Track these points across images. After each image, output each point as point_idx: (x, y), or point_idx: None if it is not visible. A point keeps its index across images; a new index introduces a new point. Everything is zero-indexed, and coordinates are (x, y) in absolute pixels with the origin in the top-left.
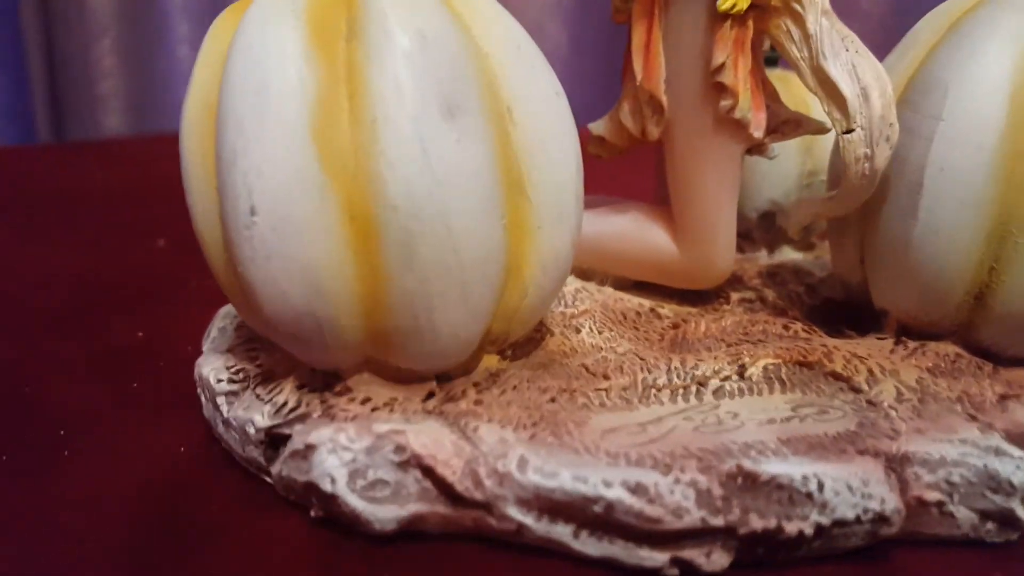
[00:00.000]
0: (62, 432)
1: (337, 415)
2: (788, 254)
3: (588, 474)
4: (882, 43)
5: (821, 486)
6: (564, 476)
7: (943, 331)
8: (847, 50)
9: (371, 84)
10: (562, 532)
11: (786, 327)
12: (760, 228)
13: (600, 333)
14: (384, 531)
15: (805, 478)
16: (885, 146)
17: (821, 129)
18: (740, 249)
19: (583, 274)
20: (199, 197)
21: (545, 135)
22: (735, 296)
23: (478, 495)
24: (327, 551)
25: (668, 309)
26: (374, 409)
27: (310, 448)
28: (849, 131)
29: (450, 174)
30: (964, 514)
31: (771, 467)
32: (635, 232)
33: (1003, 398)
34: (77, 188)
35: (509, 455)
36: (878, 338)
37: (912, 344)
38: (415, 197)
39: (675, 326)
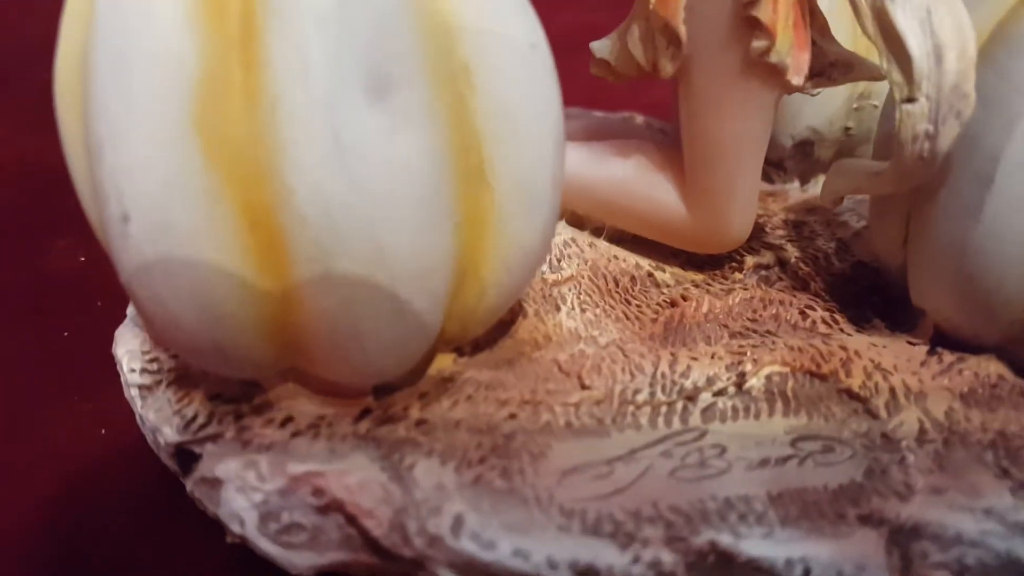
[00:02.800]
0: None
1: (251, 440)
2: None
3: (532, 548)
4: None
5: (807, 572)
6: (503, 549)
7: (987, 345)
8: None
9: (271, 53)
10: None
11: (803, 313)
12: (794, 157)
13: (583, 312)
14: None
15: (790, 563)
16: (955, 123)
17: (881, 75)
18: (769, 179)
19: (576, 220)
20: (82, 185)
21: (514, 102)
22: (750, 261)
23: (406, 552)
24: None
25: (669, 274)
26: (295, 434)
27: (217, 483)
28: (910, 100)
29: (377, 176)
30: None
31: (751, 546)
32: (638, 183)
33: None
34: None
35: (444, 511)
36: (909, 342)
37: (948, 357)
38: (329, 208)
39: (673, 303)
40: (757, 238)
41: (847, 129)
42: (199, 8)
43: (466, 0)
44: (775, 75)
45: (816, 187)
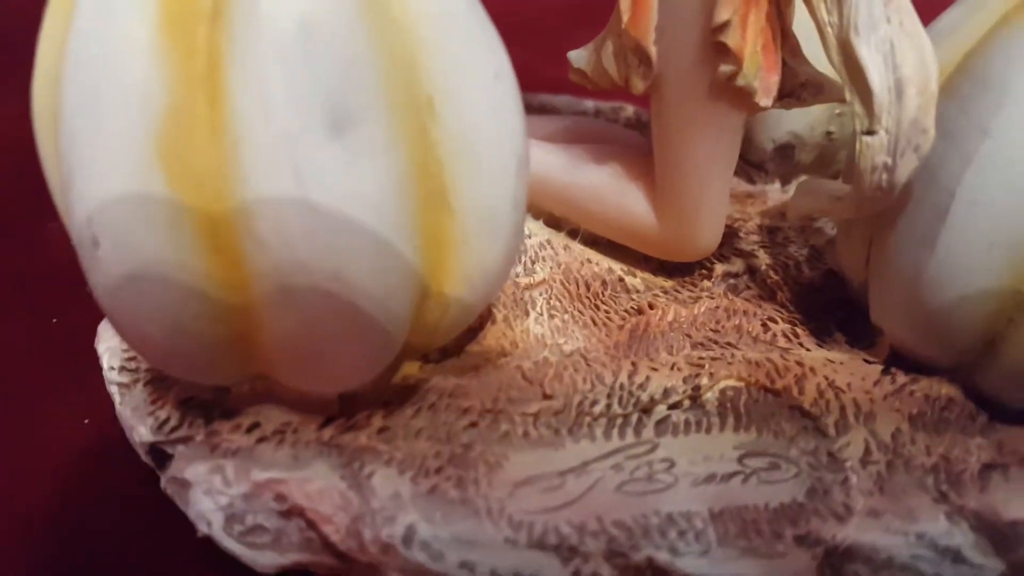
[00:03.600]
0: None
1: (219, 444)
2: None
3: (477, 560)
4: None
5: None
6: (450, 560)
7: (941, 367)
8: (888, 21)
9: (233, 88)
10: None
11: (765, 325)
12: (775, 160)
13: (551, 318)
14: (266, 572)
15: None
16: (912, 156)
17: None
18: (751, 180)
19: (553, 222)
20: (59, 201)
21: (475, 132)
22: (719, 268)
23: (362, 557)
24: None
25: (640, 279)
26: (260, 439)
27: (186, 484)
28: (870, 132)
29: (337, 207)
30: None
31: (687, 564)
32: (611, 191)
33: (987, 467)
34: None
35: (398, 520)
36: (866, 360)
37: (901, 378)
38: (289, 237)
39: (640, 310)
40: (729, 244)
41: (829, 134)
42: (167, 43)
43: (431, 32)
44: (743, 97)
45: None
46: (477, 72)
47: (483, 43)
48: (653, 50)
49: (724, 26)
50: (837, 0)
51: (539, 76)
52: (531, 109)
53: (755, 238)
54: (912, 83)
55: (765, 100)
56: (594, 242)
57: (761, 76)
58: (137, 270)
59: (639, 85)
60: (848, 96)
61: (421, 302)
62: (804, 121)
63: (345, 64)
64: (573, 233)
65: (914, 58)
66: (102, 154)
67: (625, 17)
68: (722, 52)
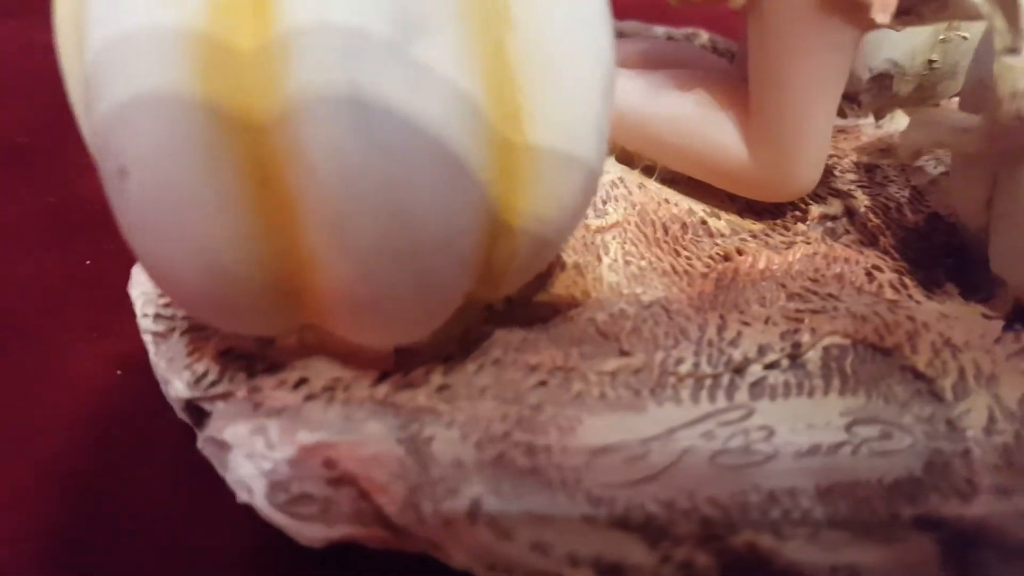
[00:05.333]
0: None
1: (262, 403)
2: (901, 121)
3: (553, 541)
4: None
5: None
6: (521, 539)
7: None
8: None
9: None
10: None
11: (870, 274)
12: (870, 91)
13: (627, 265)
14: (312, 547)
15: (835, 571)
16: None
17: (980, 15)
18: (842, 113)
19: (626, 157)
20: (84, 127)
21: (556, 45)
22: (815, 210)
23: (420, 532)
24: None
25: (725, 222)
26: (308, 397)
27: (225, 446)
28: (1013, 51)
29: (400, 132)
30: None
31: (793, 549)
32: (696, 120)
33: None
34: None
35: (461, 492)
36: (985, 315)
37: None
38: (346, 167)
39: (727, 257)
40: (824, 184)
41: (931, 62)
42: None
43: None
44: (858, 10)
45: (892, 124)
46: None
47: None
48: None
49: None
50: None
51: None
52: None
53: (851, 177)
54: None
55: (883, 16)
56: (672, 180)
57: None
58: (171, 205)
59: None
60: (987, 7)
61: (489, 243)
62: (905, 47)
63: None
64: (648, 170)
65: None
66: (129, 68)
67: None
68: None
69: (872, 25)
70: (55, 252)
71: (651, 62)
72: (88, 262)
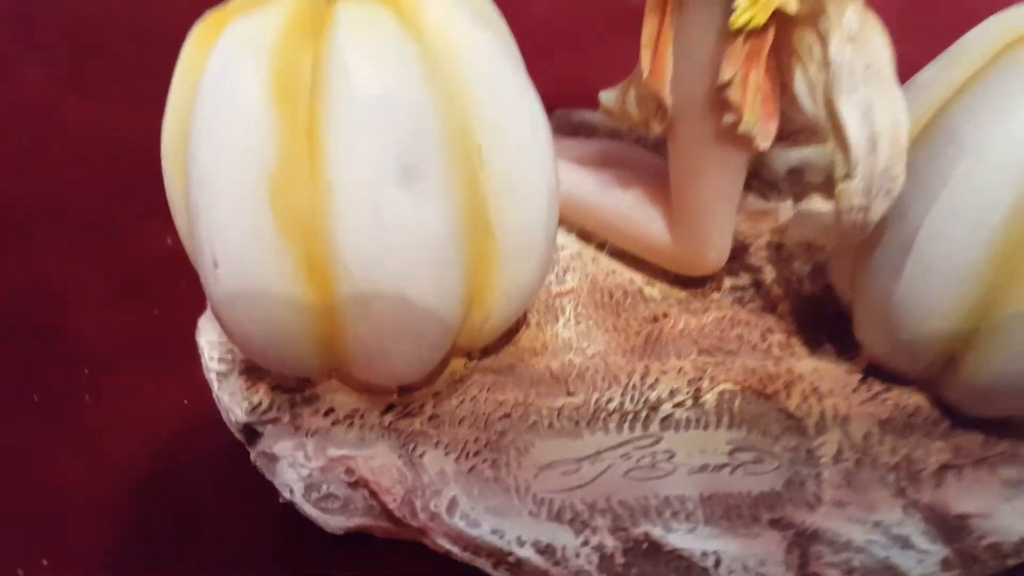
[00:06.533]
0: (86, 371)
1: (301, 426)
2: (817, 204)
3: (506, 528)
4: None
5: (718, 563)
6: (484, 527)
7: (912, 379)
8: (867, 84)
9: (328, 146)
10: (483, 564)
11: (764, 336)
12: (787, 181)
13: (577, 324)
14: (335, 534)
15: (705, 554)
16: (884, 200)
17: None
18: (764, 197)
19: (584, 235)
20: (183, 230)
21: (515, 174)
22: (728, 282)
23: (413, 523)
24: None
25: (657, 289)
26: (335, 423)
27: (274, 458)
28: (848, 177)
29: (404, 241)
30: None
31: (676, 539)
32: (634, 212)
33: (943, 468)
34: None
35: (443, 493)
36: (848, 370)
37: (877, 387)
38: (367, 264)
39: (655, 318)
40: (740, 259)
41: None
42: (277, 109)
43: (480, 93)
44: (744, 141)
45: (808, 206)
46: (518, 123)
47: (523, 98)
48: (668, 99)
49: (727, 83)
50: (824, 64)
51: (586, 85)
52: (570, 126)
53: (764, 254)
54: (885, 137)
55: (764, 144)
56: (620, 254)
57: (760, 124)
58: (248, 286)
59: (656, 128)
60: (830, 146)
61: (468, 312)
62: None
63: (414, 128)
64: (601, 246)
65: (888, 114)
66: (225, 197)
67: (645, 71)
68: (726, 105)
69: (757, 151)
70: (127, 302)
71: (603, 160)
72: (155, 311)
